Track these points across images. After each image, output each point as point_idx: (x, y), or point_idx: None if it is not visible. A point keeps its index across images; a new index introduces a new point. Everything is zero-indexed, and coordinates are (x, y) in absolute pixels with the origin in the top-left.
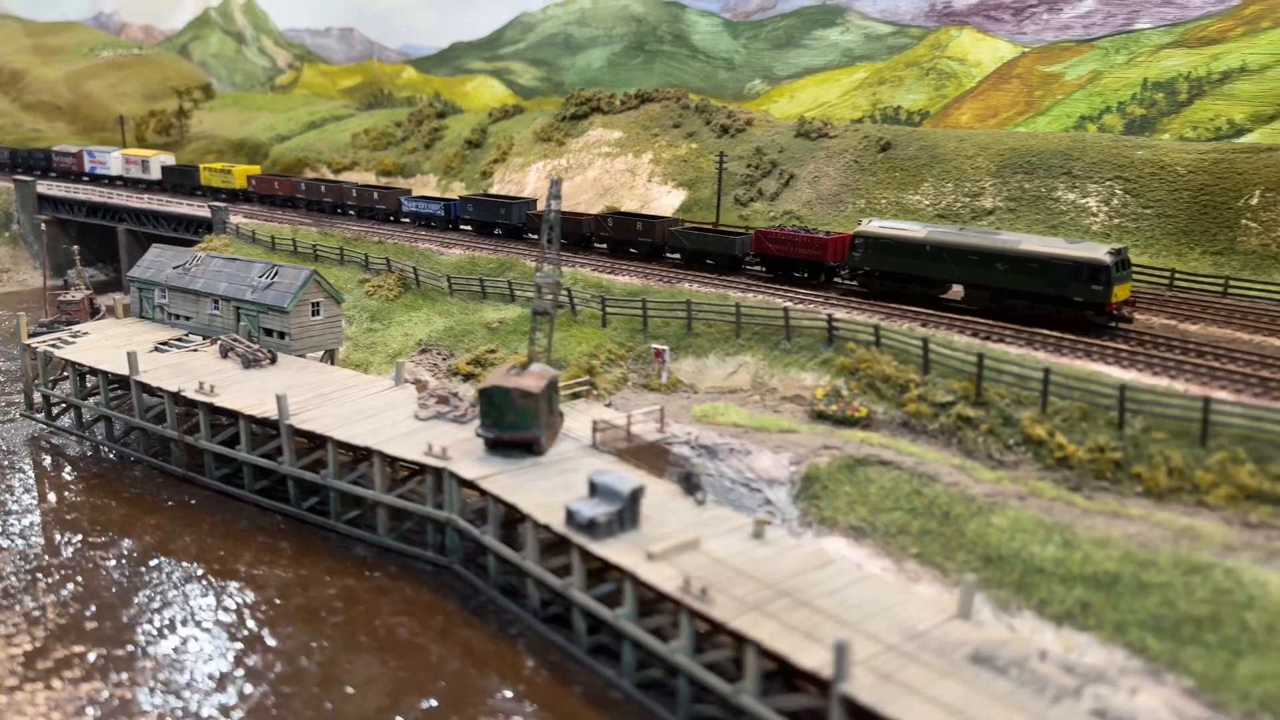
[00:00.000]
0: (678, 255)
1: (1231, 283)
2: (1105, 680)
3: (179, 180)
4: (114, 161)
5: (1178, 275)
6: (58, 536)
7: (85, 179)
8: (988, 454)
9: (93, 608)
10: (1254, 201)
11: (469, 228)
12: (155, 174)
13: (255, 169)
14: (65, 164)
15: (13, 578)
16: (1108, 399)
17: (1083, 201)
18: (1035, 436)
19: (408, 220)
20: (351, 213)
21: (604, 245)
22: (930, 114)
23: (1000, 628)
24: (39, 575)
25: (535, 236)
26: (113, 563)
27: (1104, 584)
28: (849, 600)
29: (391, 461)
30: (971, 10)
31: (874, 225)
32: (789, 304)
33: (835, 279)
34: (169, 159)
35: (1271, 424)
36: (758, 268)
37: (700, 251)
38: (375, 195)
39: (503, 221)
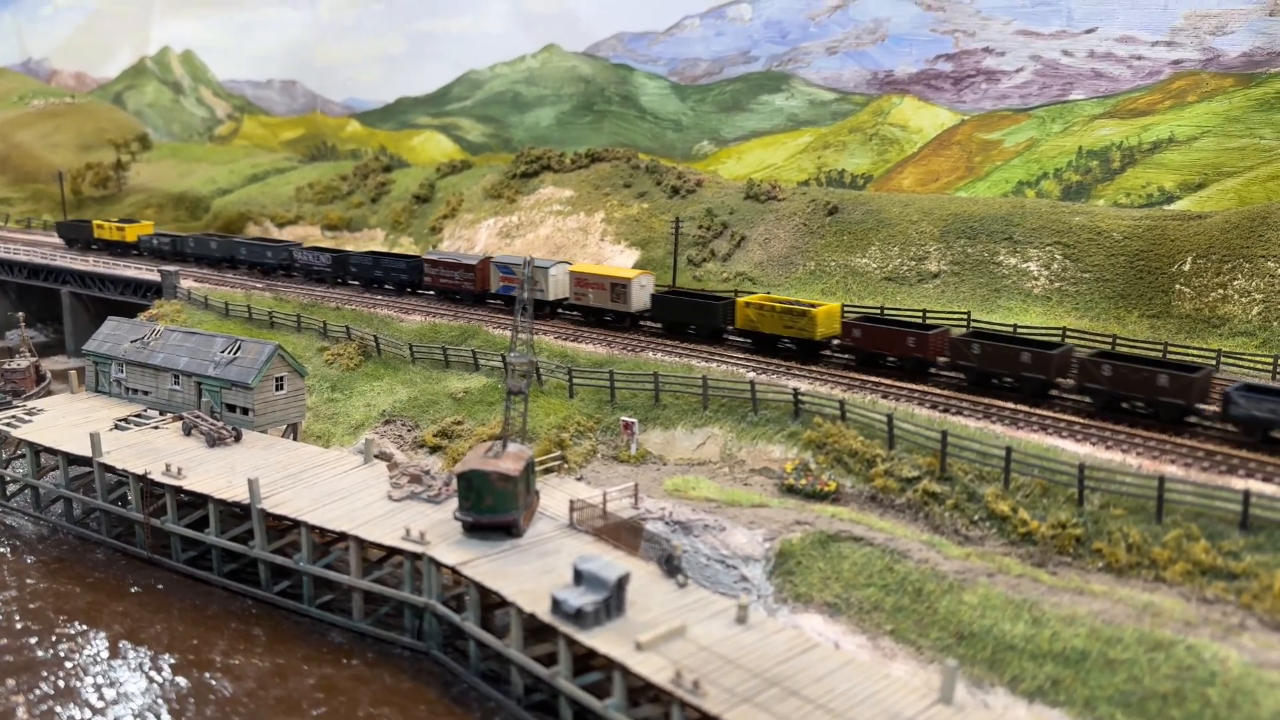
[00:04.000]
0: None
1: (1170, 347)
2: None
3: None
4: None
5: (1119, 340)
6: (21, 626)
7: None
8: (954, 529)
9: (70, 706)
10: (1186, 267)
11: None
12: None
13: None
14: None
15: None
16: (1066, 475)
17: (1024, 266)
18: (999, 512)
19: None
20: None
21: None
22: (874, 178)
23: (975, 705)
24: (9, 672)
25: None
26: (84, 655)
27: (1073, 660)
28: (835, 687)
29: (366, 546)
30: (912, 79)
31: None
32: (754, 375)
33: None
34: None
35: (1222, 501)
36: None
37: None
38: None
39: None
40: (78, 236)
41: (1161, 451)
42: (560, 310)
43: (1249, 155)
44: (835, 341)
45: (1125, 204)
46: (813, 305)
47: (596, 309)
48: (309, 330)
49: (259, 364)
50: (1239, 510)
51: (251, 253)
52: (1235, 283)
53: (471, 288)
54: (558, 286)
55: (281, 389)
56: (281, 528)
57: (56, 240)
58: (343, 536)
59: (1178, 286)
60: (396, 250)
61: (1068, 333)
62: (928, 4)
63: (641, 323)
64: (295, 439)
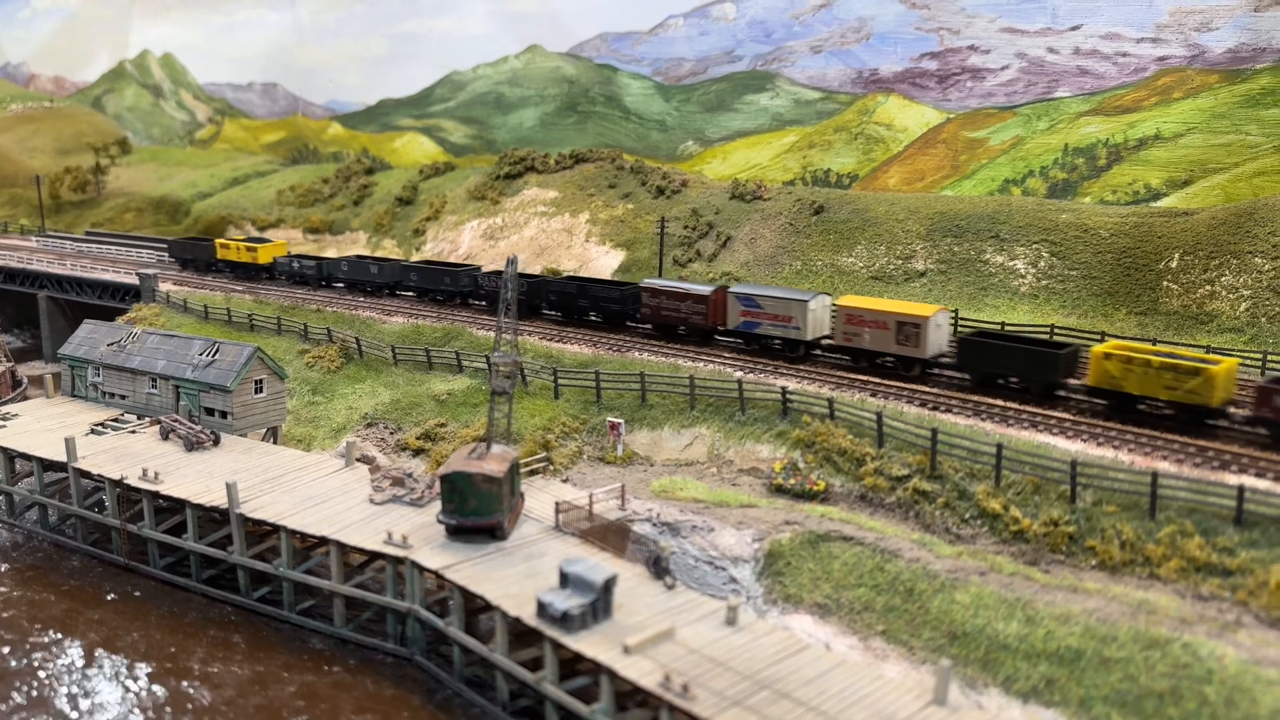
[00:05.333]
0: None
1: (1158, 343)
2: None
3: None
4: None
5: (1107, 336)
6: None
7: None
8: (945, 528)
9: (44, 716)
10: (1173, 264)
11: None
12: None
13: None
14: None
15: None
16: (1058, 472)
17: (1011, 264)
18: (991, 510)
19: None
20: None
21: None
22: (859, 177)
23: (969, 706)
24: None
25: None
26: (58, 664)
27: (1067, 660)
28: (827, 689)
29: (348, 550)
30: (897, 78)
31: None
32: (741, 374)
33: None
34: None
35: (1215, 497)
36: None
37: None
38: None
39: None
40: (195, 257)
41: (1154, 448)
42: (818, 352)
43: (1235, 152)
44: (1230, 410)
45: (1112, 201)
46: (1203, 361)
47: (872, 352)
48: (289, 333)
49: (238, 366)
50: (1233, 506)
51: (425, 279)
52: (1223, 279)
53: (701, 322)
54: (816, 323)
55: (261, 392)
56: (261, 533)
57: (33, 244)
58: (323, 541)
59: (1165, 283)
60: (379, 254)
61: (1055, 330)
62: (912, 2)
63: (934, 370)
64: (275, 443)
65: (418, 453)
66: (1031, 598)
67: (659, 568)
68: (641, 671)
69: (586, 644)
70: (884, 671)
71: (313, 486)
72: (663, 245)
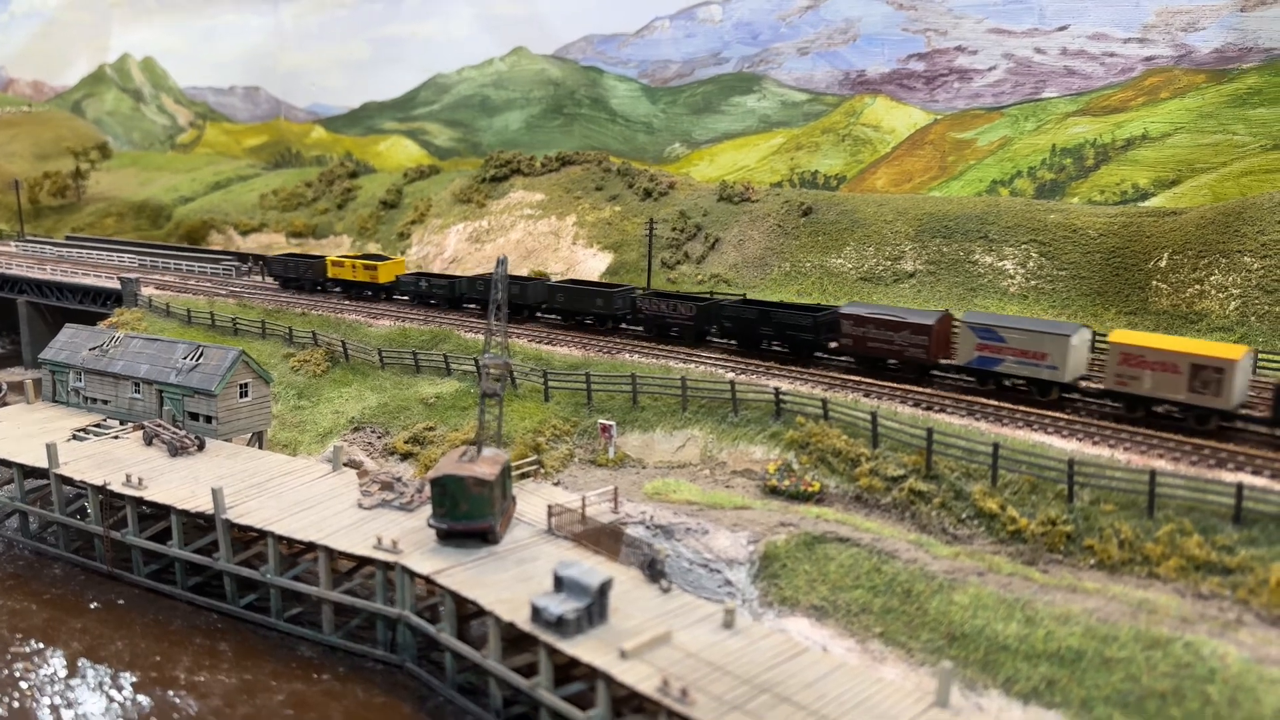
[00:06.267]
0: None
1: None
2: None
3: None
4: None
5: (1098, 336)
6: None
7: None
8: (942, 528)
9: None
10: (1162, 263)
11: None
12: None
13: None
14: None
15: None
16: (1055, 471)
17: (1000, 264)
18: (987, 510)
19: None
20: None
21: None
22: (847, 178)
23: (970, 708)
24: None
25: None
26: (41, 674)
27: (1068, 660)
28: (827, 693)
29: (336, 556)
30: (884, 79)
31: None
32: (733, 375)
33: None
34: None
35: (1214, 495)
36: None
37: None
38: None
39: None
40: (300, 276)
41: (1149, 446)
42: (1075, 396)
43: (1222, 151)
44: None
45: (1100, 201)
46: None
47: (1150, 399)
48: (274, 336)
49: (222, 370)
50: (1232, 504)
51: (571, 300)
52: (1212, 278)
53: (920, 356)
54: (1077, 362)
55: (246, 396)
56: (247, 539)
57: (12, 249)
58: (311, 547)
59: (1154, 283)
60: (371, 250)
61: None
62: (899, 3)
63: (1237, 425)
64: (261, 447)
65: (406, 457)
66: (1030, 598)
67: (654, 571)
68: (639, 676)
69: (582, 649)
70: (883, 674)
71: (300, 491)
72: (651, 247)
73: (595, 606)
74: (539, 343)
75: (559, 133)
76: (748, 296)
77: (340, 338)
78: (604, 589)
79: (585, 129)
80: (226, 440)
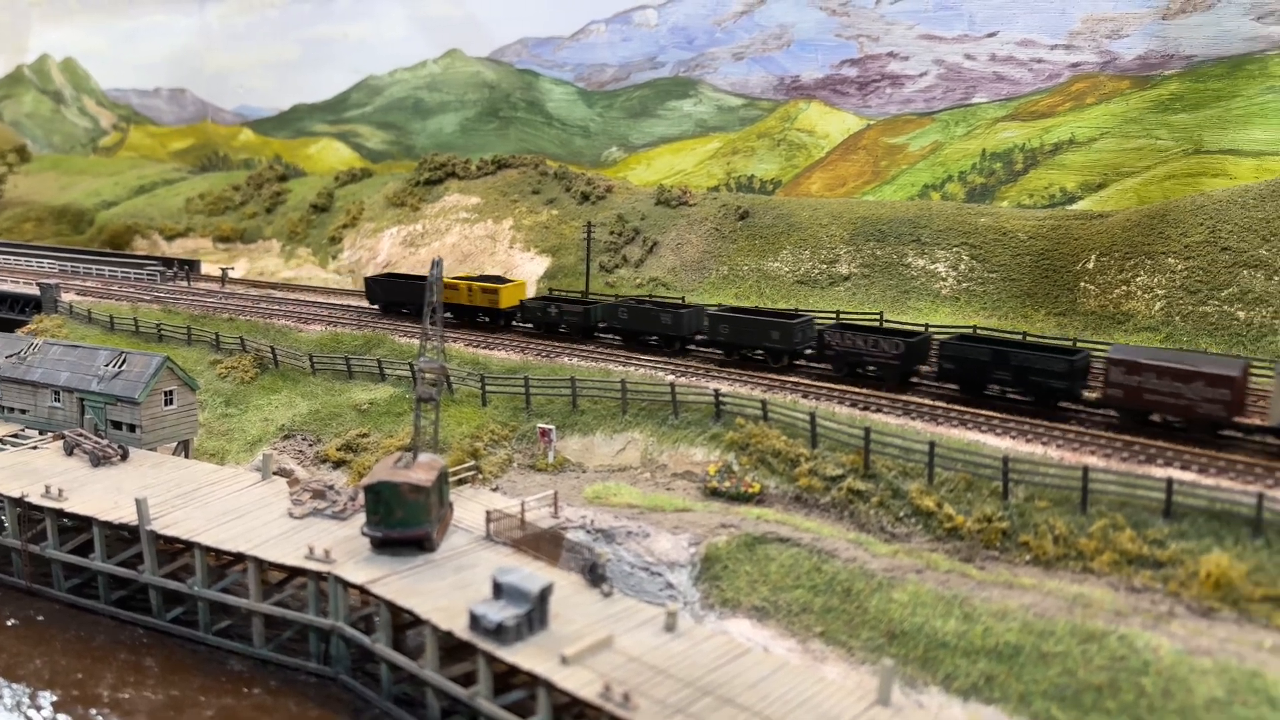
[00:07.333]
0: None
1: (1078, 343)
2: None
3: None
4: None
5: (1028, 337)
6: None
7: None
8: (880, 527)
9: None
10: (1090, 265)
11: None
12: None
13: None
14: None
15: None
16: (989, 469)
17: (932, 267)
18: (925, 508)
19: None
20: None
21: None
22: (782, 183)
23: (910, 705)
24: None
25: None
26: None
27: (1006, 656)
28: (770, 693)
29: (266, 567)
30: (818, 84)
31: None
32: (673, 378)
33: None
34: None
35: (1144, 490)
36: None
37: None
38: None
39: None
40: (408, 301)
41: (1081, 444)
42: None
43: (1146, 155)
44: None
45: (1029, 205)
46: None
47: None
48: (200, 343)
49: (146, 377)
50: (1162, 498)
51: (738, 331)
52: (1138, 279)
53: (1217, 413)
54: None
55: (171, 404)
56: (173, 551)
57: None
58: (240, 558)
59: (1082, 284)
60: (295, 262)
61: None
62: (832, 9)
63: None
64: (187, 457)
65: (339, 464)
66: (968, 594)
67: (595, 575)
68: (580, 682)
69: (522, 656)
70: (825, 673)
71: (228, 501)
72: (590, 251)
73: (535, 613)
74: (475, 347)
75: (494, 136)
76: (974, 333)
77: (269, 343)
78: (544, 595)
79: (521, 132)
80: (151, 450)
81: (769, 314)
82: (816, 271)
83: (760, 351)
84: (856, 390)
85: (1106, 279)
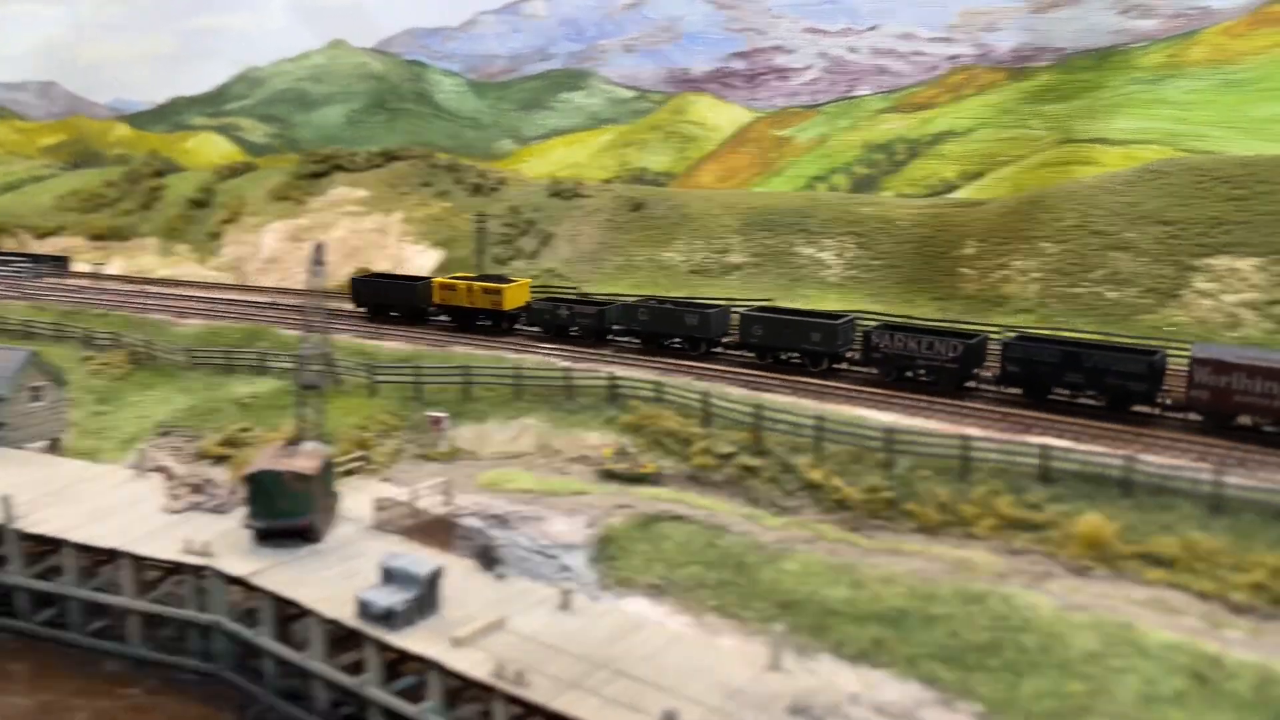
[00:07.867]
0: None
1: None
2: (911, 717)
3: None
4: None
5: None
6: None
7: None
8: (771, 501)
9: None
10: (969, 251)
11: None
12: None
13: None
14: None
15: None
16: (874, 441)
17: (820, 255)
18: (813, 481)
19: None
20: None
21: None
22: (675, 175)
23: (802, 672)
24: None
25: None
26: None
27: (893, 620)
28: (665, 664)
29: (142, 563)
30: (708, 77)
31: None
32: (568, 364)
33: None
34: None
35: (1021, 457)
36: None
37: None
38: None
39: None
40: (398, 301)
41: (961, 415)
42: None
43: (1020, 144)
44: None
45: (911, 194)
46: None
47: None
48: (70, 339)
49: (11, 373)
50: (1037, 464)
51: (773, 332)
52: (1014, 263)
53: None
54: None
55: (39, 400)
56: (42, 550)
57: None
58: (114, 555)
59: (962, 269)
60: (173, 259)
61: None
62: (720, 2)
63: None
64: (58, 456)
65: (219, 460)
66: (856, 562)
67: (488, 558)
68: (472, 663)
69: (412, 640)
70: (719, 644)
71: (101, 498)
72: (484, 243)
73: (425, 597)
74: (363, 338)
75: (382, 128)
76: (1031, 333)
77: (144, 338)
78: (434, 578)
79: (410, 124)
80: (17, 448)
81: (808, 314)
82: (709, 261)
83: (797, 355)
84: (901, 395)
85: (985, 264)
